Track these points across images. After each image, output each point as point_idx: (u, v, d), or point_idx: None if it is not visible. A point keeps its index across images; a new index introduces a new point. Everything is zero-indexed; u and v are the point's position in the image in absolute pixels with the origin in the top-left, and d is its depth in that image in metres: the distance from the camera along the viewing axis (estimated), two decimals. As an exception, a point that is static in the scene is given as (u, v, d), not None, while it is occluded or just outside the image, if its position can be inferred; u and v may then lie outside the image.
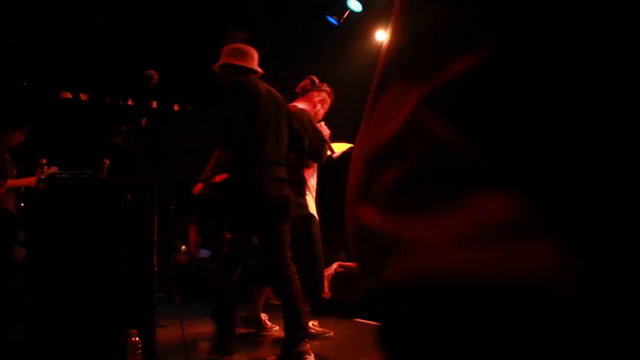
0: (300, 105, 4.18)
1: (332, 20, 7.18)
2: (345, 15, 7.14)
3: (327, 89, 4.31)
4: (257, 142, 3.35)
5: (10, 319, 4.20)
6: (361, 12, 7.21)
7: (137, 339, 2.87)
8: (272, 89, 3.59)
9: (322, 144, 4.03)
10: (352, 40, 7.88)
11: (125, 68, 7.04)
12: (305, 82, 4.26)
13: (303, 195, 4.04)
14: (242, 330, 4.33)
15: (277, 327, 4.32)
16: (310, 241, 4.07)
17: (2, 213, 5.15)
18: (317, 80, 4.27)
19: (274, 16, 7.80)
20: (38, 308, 3.26)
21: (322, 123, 4.30)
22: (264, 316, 4.46)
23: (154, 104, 6.15)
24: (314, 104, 4.25)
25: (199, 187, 3.57)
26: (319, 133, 4.05)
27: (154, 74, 3.17)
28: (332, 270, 5.36)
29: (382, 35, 8.13)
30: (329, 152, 4.19)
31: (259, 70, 3.60)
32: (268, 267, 3.54)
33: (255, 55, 3.61)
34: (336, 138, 4.40)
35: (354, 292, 5.27)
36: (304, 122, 3.91)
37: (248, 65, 3.52)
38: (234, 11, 7.67)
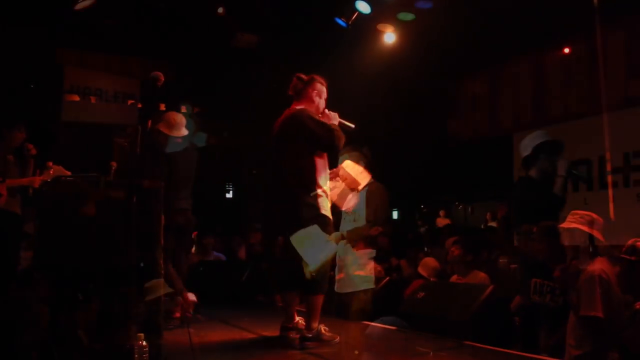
0: (299, 106, 4.15)
1: (340, 22, 7.16)
2: (353, 17, 7.10)
3: (318, 78, 4.25)
4: (171, 187, 4.60)
5: (16, 323, 4.19)
6: (369, 14, 7.17)
7: (144, 342, 2.84)
8: (189, 147, 5.09)
9: (329, 133, 4.03)
10: (360, 42, 7.84)
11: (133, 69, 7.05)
12: (295, 83, 4.21)
13: (315, 197, 4.00)
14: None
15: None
16: None
17: (7, 215, 5.14)
18: (304, 77, 4.22)
19: (282, 18, 7.78)
20: (44, 311, 3.24)
21: (326, 110, 4.23)
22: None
23: (162, 107, 6.16)
24: (312, 99, 4.19)
25: None
26: (323, 125, 4.05)
27: (160, 75, 3.14)
28: None
29: (390, 37, 8.08)
30: (350, 125, 4.30)
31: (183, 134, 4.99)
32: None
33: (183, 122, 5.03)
34: (347, 139, 4.29)
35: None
36: (303, 123, 4.01)
37: (174, 135, 4.90)
38: (242, 13, 7.67)
